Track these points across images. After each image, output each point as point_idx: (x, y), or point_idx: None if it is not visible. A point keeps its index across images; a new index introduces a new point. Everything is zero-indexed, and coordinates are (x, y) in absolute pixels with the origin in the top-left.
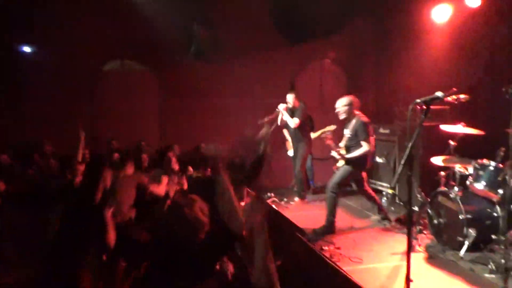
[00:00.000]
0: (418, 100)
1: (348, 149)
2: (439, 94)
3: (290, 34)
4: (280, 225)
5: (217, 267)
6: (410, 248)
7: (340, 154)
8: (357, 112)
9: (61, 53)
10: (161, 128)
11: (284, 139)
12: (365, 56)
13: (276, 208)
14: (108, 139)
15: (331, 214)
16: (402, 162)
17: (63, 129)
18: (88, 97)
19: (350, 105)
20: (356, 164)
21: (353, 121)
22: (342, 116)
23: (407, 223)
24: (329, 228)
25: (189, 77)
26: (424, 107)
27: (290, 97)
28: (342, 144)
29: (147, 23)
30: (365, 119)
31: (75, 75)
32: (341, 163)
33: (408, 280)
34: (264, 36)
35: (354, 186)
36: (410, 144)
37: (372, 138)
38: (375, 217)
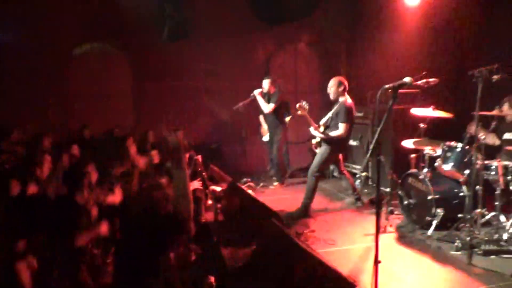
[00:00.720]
0: (386, 86)
1: (327, 129)
2: (407, 79)
3: (264, 16)
4: (255, 210)
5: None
6: (378, 231)
7: (316, 129)
8: (346, 96)
9: (30, 36)
10: (136, 111)
11: (259, 124)
12: (338, 39)
13: (252, 193)
14: (81, 126)
15: (308, 197)
16: (371, 147)
17: (32, 114)
18: (58, 81)
19: (335, 86)
20: (334, 145)
21: (338, 103)
22: (331, 97)
23: (376, 208)
24: (305, 212)
25: (163, 59)
26: (393, 92)
27: (266, 83)
28: (322, 122)
29: (119, 5)
30: (349, 103)
31: (44, 59)
32: (317, 140)
33: (376, 262)
34: (238, 17)
35: (336, 174)
36: (378, 129)
37: (349, 124)
38: (349, 199)
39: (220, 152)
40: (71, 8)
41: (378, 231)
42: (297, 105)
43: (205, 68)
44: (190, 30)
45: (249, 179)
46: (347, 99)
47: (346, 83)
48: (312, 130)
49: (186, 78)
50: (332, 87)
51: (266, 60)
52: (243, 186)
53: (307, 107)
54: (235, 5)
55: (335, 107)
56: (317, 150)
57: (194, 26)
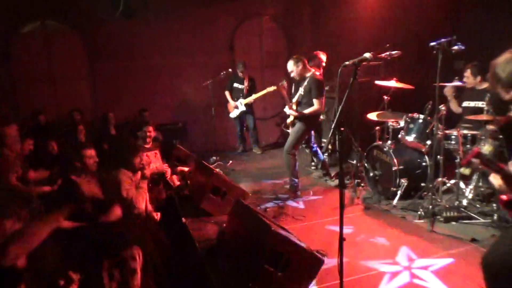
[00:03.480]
0: (346, 63)
1: (299, 105)
2: (367, 55)
3: None
4: (224, 190)
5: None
6: (343, 210)
7: (292, 109)
8: (312, 70)
9: None
10: (93, 93)
11: (225, 101)
12: (302, 12)
13: (221, 172)
14: (35, 110)
15: (293, 176)
16: (333, 126)
17: None
18: (2, 62)
19: (295, 67)
20: (308, 121)
21: (307, 78)
22: (296, 77)
23: (339, 186)
24: (294, 193)
25: (119, 37)
26: (353, 68)
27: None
28: (294, 99)
29: None
30: (319, 77)
31: None
32: (290, 119)
33: (341, 239)
34: None
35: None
36: (340, 108)
37: (323, 98)
38: (317, 173)
39: (186, 131)
40: None
41: (342, 210)
42: (279, 84)
43: (165, 45)
44: (147, 5)
45: (217, 158)
46: (315, 73)
47: (303, 58)
48: (287, 110)
49: (146, 57)
50: (293, 70)
51: (229, 35)
52: (211, 166)
53: (286, 86)
54: None
55: (305, 83)
56: (289, 130)
57: (151, 2)
